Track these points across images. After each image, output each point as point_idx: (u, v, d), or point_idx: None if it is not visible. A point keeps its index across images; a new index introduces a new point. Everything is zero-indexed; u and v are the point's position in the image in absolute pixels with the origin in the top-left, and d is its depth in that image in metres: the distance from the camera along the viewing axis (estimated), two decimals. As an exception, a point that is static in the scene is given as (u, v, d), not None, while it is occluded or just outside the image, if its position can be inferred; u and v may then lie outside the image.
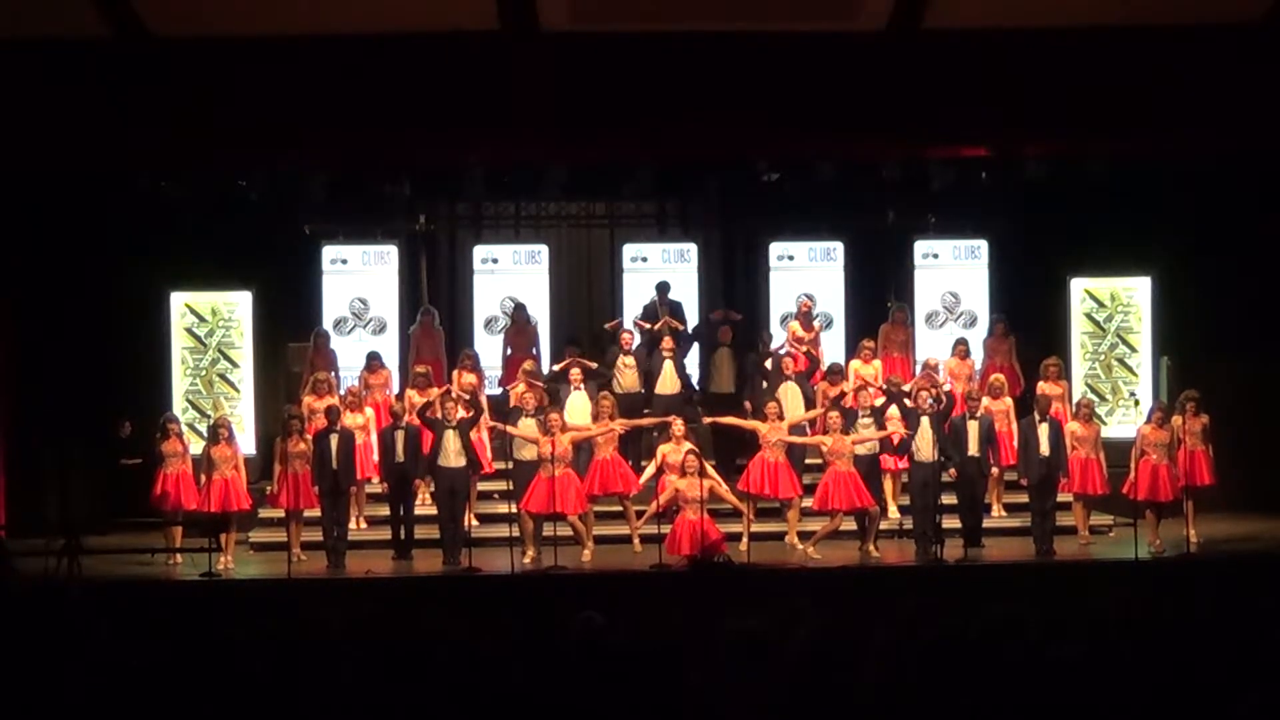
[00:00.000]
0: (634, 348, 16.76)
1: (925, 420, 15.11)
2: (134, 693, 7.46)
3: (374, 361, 16.87)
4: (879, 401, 15.55)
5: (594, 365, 16.47)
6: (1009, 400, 16.24)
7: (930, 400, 15.26)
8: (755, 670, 7.21)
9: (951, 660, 7.24)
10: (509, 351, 17.35)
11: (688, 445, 14.95)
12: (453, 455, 14.92)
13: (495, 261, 18.51)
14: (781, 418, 15.38)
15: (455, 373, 16.24)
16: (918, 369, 16.88)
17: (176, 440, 15.30)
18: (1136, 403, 16.96)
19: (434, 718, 7.11)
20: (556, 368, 16.70)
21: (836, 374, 16.44)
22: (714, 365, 17.10)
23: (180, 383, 17.32)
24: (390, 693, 7.29)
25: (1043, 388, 16.08)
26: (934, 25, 14.74)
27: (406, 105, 14.87)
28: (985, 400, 15.78)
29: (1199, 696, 6.96)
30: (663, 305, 17.34)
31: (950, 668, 7.17)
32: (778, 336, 17.69)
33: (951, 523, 14.99)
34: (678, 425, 15.19)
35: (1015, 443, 15.65)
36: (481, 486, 16.06)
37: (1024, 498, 15.53)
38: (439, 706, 7.13)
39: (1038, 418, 15.29)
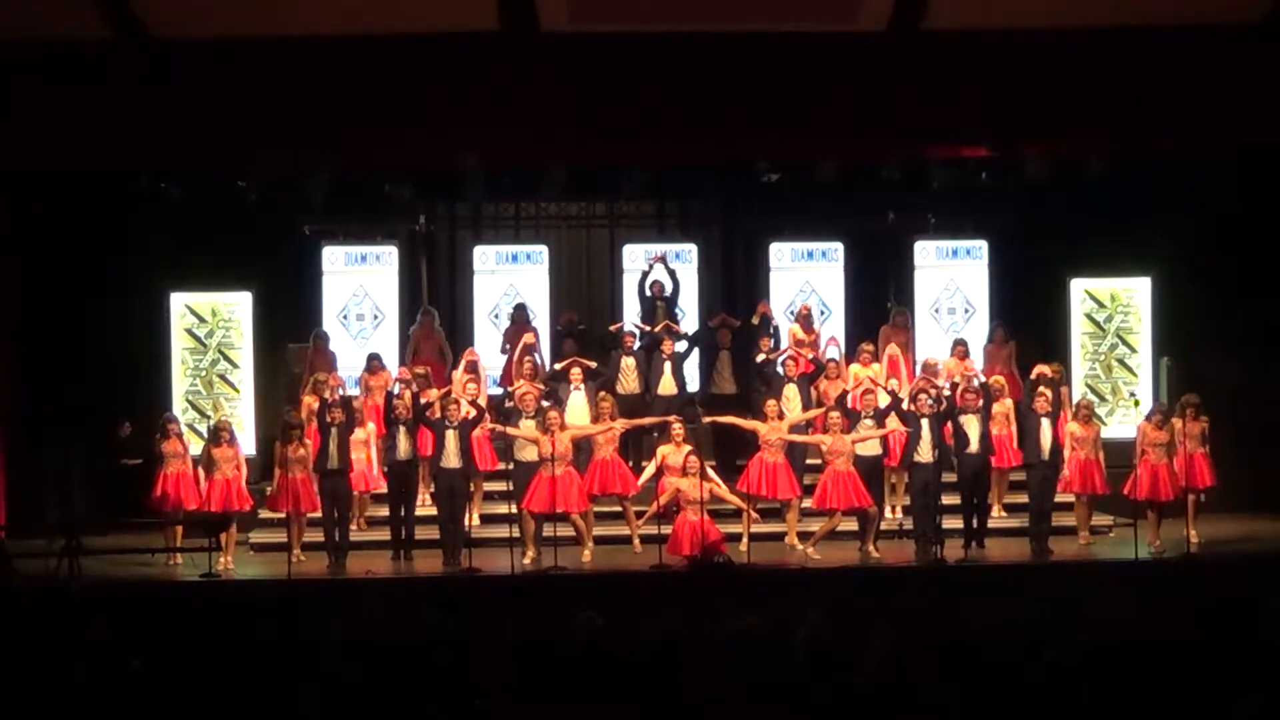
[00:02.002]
0: (635, 349, 16.75)
1: (925, 422, 15.09)
2: (134, 693, 7.47)
3: (374, 363, 16.83)
4: (883, 402, 15.51)
5: (594, 365, 16.45)
6: (1009, 402, 16.19)
7: (930, 401, 15.24)
8: (755, 670, 7.21)
9: (951, 660, 7.24)
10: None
11: (688, 447, 14.95)
12: (453, 456, 14.93)
13: (495, 261, 18.51)
14: (781, 418, 15.38)
15: (455, 373, 16.22)
16: (918, 370, 16.86)
17: (176, 440, 15.27)
18: (1136, 403, 16.92)
19: (434, 718, 7.11)
20: (558, 367, 16.69)
21: (834, 370, 16.40)
22: (715, 368, 17.08)
23: (180, 383, 17.31)
24: (390, 693, 7.29)
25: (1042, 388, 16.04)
26: (934, 25, 14.75)
27: (406, 105, 14.88)
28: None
29: (1199, 696, 6.96)
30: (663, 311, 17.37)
31: (950, 668, 7.17)
32: (778, 336, 17.64)
33: (952, 523, 14.99)
34: (678, 426, 15.20)
35: (1015, 444, 15.66)
36: (485, 487, 16.07)
37: (1024, 498, 15.52)
38: (439, 706, 7.13)
39: (1038, 412, 15.24)
